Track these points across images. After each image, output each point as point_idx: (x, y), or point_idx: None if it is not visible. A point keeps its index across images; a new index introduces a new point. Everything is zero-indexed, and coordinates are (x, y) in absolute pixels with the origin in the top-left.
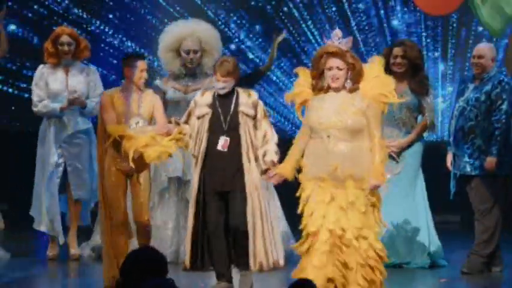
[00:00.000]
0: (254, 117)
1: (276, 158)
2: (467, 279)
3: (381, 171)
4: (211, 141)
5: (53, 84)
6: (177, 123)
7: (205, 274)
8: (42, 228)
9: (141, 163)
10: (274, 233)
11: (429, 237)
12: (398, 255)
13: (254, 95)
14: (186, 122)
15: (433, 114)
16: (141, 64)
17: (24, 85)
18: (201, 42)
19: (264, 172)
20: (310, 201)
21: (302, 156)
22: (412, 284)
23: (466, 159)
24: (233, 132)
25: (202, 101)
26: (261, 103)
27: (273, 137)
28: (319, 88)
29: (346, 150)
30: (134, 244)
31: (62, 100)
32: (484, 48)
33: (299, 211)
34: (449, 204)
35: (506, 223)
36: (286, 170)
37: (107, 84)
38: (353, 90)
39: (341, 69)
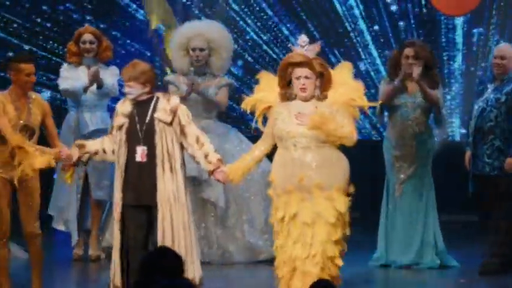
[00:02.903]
0: (171, 124)
1: (219, 156)
2: (486, 280)
3: (322, 118)
4: (130, 152)
5: (74, 82)
6: (81, 146)
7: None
8: (60, 226)
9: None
10: (188, 248)
11: (435, 237)
12: (408, 255)
13: (174, 99)
14: (111, 134)
15: (442, 106)
16: (27, 67)
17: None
18: (208, 41)
19: (212, 173)
20: (284, 222)
21: (257, 162)
22: (431, 284)
23: (485, 159)
24: (150, 141)
25: (121, 110)
26: (182, 107)
27: (207, 139)
28: (288, 97)
29: (313, 159)
30: None
31: (84, 99)
32: (506, 48)
33: (274, 229)
34: (467, 204)
35: None
36: (233, 170)
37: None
38: (322, 98)
39: (309, 78)
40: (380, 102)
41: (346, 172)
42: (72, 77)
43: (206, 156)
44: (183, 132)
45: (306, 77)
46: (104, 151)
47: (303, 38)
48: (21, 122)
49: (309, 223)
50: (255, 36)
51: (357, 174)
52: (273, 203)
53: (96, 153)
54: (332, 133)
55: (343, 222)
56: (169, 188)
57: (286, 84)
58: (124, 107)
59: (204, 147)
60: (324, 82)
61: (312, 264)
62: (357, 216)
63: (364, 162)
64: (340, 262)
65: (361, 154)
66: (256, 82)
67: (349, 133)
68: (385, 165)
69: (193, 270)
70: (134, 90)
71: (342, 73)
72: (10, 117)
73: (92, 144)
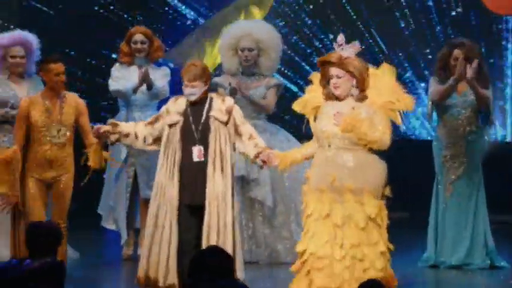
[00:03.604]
0: (226, 123)
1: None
2: None
3: (354, 120)
4: (184, 152)
5: (126, 82)
6: (115, 124)
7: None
8: (110, 225)
9: None
10: (236, 249)
11: (485, 237)
12: (459, 256)
13: (229, 100)
14: (151, 124)
15: (492, 106)
16: (56, 67)
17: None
18: (257, 41)
19: (258, 155)
20: (310, 218)
21: (305, 159)
22: (481, 285)
23: None
24: (205, 140)
25: (174, 108)
26: (236, 108)
27: (259, 137)
28: (328, 96)
29: (346, 160)
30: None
31: (135, 98)
32: None
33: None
34: None
35: None
36: (281, 156)
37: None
38: (361, 98)
39: (341, 77)
40: (431, 102)
41: (380, 176)
42: (124, 77)
43: (256, 145)
44: (237, 131)
45: (338, 76)
46: (136, 136)
47: (340, 38)
48: (53, 122)
49: (339, 225)
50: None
51: (407, 174)
52: (304, 198)
53: (127, 135)
54: (363, 137)
55: (377, 225)
56: (218, 188)
57: (326, 83)
58: (177, 105)
59: (256, 140)
60: (358, 82)
61: (340, 266)
62: (406, 217)
63: (414, 162)
64: (380, 264)
65: (412, 154)
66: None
67: (379, 138)
68: (435, 165)
69: (240, 272)
70: (197, 90)
71: (384, 75)
72: (36, 118)
73: (125, 126)
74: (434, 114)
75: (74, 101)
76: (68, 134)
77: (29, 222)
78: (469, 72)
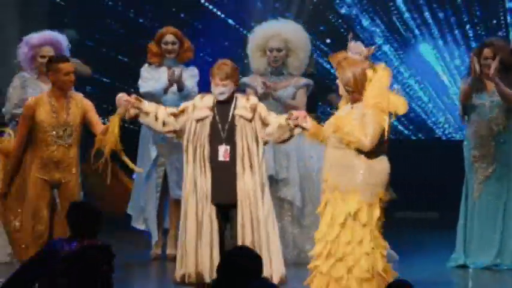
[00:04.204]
0: (251, 120)
1: None
2: None
3: (337, 120)
4: (211, 151)
5: (155, 83)
6: (139, 100)
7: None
8: (140, 225)
9: None
10: (270, 246)
11: None
12: (487, 256)
13: (253, 98)
14: (175, 116)
15: None
16: (65, 67)
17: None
18: (286, 41)
19: (288, 119)
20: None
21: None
22: (510, 285)
23: None
24: (231, 140)
25: (202, 103)
26: (261, 104)
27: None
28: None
29: (333, 156)
30: None
31: (165, 99)
32: None
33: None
34: None
35: None
36: (314, 124)
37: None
38: (354, 100)
39: (338, 79)
40: (460, 101)
41: (373, 176)
42: (153, 78)
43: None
44: (264, 122)
45: (336, 78)
46: (156, 117)
47: (350, 37)
48: (59, 122)
49: (328, 224)
50: None
51: (437, 175)
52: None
53: (147, 114)
54: (345, 137)
55: (360, 223)
56: (249, 186)
57: None
58: (205, 102)
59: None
60: (346, 86)
61: (325, 264)
62: (435, 217)
63: (444, 162)
64: (365, 265)
65: (442, 154)
66: None
67: (357, 139)
68: (465, 165)
69: (277, 268)
70: (228, 89)
71: (380, 76)
72: (42, 118)
73: (149, 105)
74: None
75: (79, 101)
76: (74, 134)
77: (71, 203)
78: (491, 69)
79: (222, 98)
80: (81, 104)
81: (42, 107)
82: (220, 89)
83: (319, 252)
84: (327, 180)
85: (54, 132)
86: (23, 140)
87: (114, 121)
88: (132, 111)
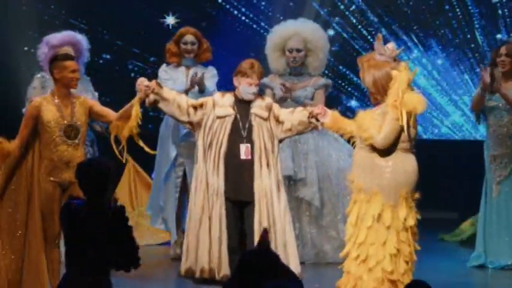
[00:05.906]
0: (267, 119)
1: None
2: None
3: (356, 121)
4: (230, 149)
5: (173, 84)
6: (159, 85)
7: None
8: (159, 225)
9: None
10: (287, 242)
11: None
12: (507, 256)
13: (268, 98)
14: (194, 108)
15: None
16: (71, 65)
17: None
18: (305, 41)
19: (310, 116)
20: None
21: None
22: None
23: None
24: (250, 138)
25: (223, 101)
26: (275, 104)
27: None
28: None
29: (359, 156)
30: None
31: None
32: None
33: None
34: None
35: None
36: (334, 114)
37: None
38: (376, 102)
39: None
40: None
41: (394, 178)
42: (172, 78)
43: (300, 110)
44: (278, 120)
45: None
46: (176, 105)
47: (377, 37)
48: (65, 122)
49: (353, 224)
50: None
51: (457, 174)
52: None
53: (166, 99)
54: (362, 134)
55: (384, 226)
56: (266, 183)
57: None
58: (226, 100)
59: (296, 110)
60: (368, 87)
61: (353, 264)
62: (454, 217)
63: (465, 162)
64: (389, 267)
65: (462, 154)
66: None
67: (370, 135)
68: (484, 165)
69: (293, 265)
70: (257, 88)
71: (401, 75)
72: (49, 119)
73: (169, 92)
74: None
75: (82, 99)
76: (81, 134)
77: (78, 164)
78: (486, 81)
79: (252, 97)
80: (84, 102)
81: (47, 107)
82: (253, 89)
83: (347, 252)
84: (353, 181)
85: (61, 132)
86: (24, 142)
87: (136, 105)
88: (152, 97)
